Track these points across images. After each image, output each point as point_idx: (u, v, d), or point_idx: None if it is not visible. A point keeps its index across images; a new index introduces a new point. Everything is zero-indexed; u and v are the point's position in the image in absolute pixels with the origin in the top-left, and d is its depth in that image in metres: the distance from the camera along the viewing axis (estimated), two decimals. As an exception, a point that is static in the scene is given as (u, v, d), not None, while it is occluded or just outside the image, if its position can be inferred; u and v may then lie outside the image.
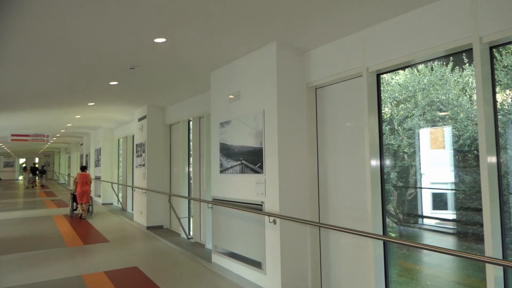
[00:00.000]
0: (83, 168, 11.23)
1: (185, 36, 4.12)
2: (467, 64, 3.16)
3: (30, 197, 18.34)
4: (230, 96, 5.09)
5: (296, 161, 4.32)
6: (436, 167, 3.59)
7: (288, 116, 4.29)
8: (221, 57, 4.91)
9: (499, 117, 2.85)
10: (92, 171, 15.58)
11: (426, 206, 3.60)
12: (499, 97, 2.88)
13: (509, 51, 2.88)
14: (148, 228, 8.61)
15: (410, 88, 3.62)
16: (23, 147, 25.36)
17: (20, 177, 37.03)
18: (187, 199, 7.87)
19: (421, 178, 3.61)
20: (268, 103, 4.35)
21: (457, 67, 3.25)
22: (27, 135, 14.46)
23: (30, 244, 7.14)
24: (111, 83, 6.36)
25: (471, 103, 3.18)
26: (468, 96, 3.22)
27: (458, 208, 3.29)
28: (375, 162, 3.64)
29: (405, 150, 3.69)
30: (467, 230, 3.21)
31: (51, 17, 3.51)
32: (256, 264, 4.55)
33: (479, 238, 3.04)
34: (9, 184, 29.91)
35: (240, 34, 4.07)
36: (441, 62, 3.34)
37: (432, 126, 3.50)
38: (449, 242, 3.45)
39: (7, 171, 39.12)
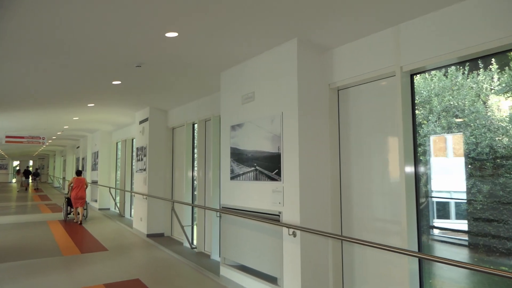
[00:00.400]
0: (79, 173, 11.09)
1: (199, 31, 3.79)
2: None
3: (23, 201, 17.82)
4: (243, 97, 4.76)
5: (317, 168, 3.98)
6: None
7: (310, 119, 3.96)
8: (234, 55, 4.58)
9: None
10: (88, 175, 15.14)
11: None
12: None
13: None
14: (149, 236, 8.21)
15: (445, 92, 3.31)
16: (18, 149, 24.81)
17: (14, 180, 36.38)
18: (190, 206, 7.49)
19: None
20: (287, 105, 4.02)
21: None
22: (22, 137, 14.00)
23: (23, 253, 6.71)
24: (114, 82, 6.01)
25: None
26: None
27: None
28: (409, 170, 3.31)
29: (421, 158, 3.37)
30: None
31: (50, 6, 3.16)
32: (271, 280, 4.19)
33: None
34: (1, 187, 29.25)
35: (258, 30, 3.75)
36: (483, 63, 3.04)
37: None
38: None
39: (0, 174, 38.45)
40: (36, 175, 25.78)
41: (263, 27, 3.68)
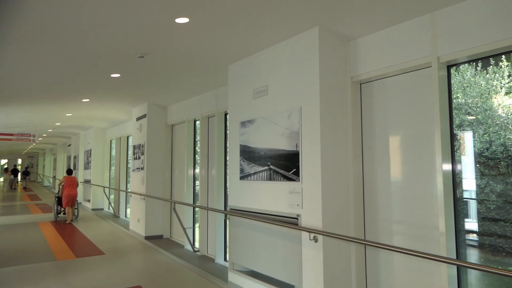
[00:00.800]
0: (70, 171, 10.90)
1: (212, 17, 3.45)
2: None
3: (12, 200, 17.22)
4: (254, 92, 4.43)
5: (340, 167, 3.68)
6: None
7: (331, 115, 3.66)
8: (246, 46, 4.25)
9: None
10: (80, 174, 14.64)
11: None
12: None
13: None
14: (147, 238, 7.83)
15: None
16: (6, 147, 24.06)
17: (1, 179, 35.43)
18: (192, 207, 7.13)
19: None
20: (307, 99, 3.70)
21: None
22: (12, 134, 13.46)
23: (14, 257, 6.29)
24: (113, 75, 5.62)
25: None
26: None
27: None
28: (447, 169, 3.03)
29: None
30: None
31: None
32: (288, 287, 3.88)
33: None
34: (-11, 186, 28.45)
35: (276, 17, 3.42)
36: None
37: None
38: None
39: (-13, 173, 37.46)
40: (26, 173, 25.12)
41: (282, 14, 3.36)
